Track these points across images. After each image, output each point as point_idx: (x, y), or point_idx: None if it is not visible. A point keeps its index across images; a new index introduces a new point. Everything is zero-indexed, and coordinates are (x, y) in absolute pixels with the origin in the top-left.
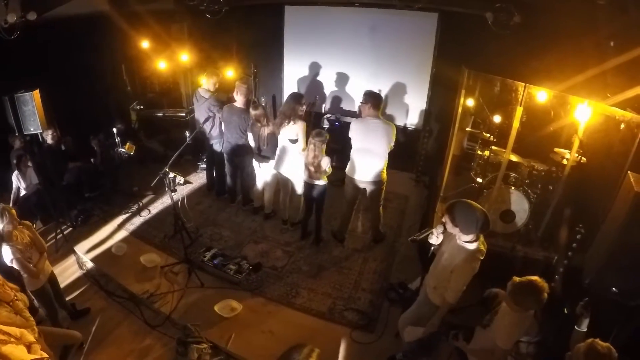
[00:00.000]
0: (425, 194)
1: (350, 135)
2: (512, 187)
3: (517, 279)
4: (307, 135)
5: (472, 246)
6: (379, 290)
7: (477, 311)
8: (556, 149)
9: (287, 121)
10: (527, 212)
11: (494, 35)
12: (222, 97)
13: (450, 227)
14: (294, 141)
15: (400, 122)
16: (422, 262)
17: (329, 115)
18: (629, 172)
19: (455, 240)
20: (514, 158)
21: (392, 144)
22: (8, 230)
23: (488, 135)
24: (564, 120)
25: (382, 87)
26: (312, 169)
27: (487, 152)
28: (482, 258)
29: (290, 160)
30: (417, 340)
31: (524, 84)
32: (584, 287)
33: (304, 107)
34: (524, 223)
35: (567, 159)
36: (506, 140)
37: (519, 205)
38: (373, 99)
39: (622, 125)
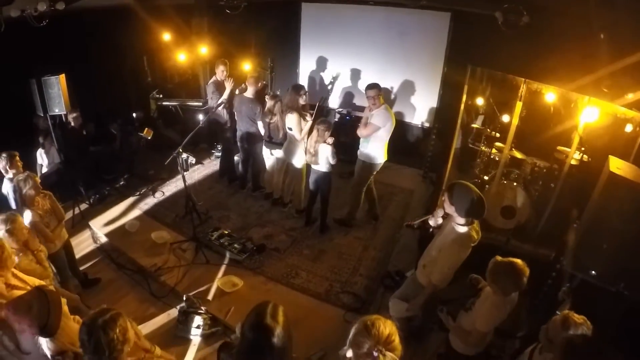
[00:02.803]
0: (431, 190)
1: (383, 124)
2: (514, 184)
3: (499, 258)
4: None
5: (464, 229)
6: (376, 277)
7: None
8: (559, 147)
9: (287, 111)
10: (528, 208)
11: (505, 35)
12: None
13: (447, 206)
14: (291, 129)
15: (410, 119)
16: (421, 253)
17: (340, 110)
18: (609, 155)
19: (450, 223)
20: (518, 155)
21: None
22: (30, 195)
23: (490, 131)
24: (567, 119)
25: (394, 84)
26: (311, 151)
27: (494, 150)
28: (473, 244)
29: (288, 147)
30: (406, 327)
31: (523, 79)
32: (563, 270)
33: (304, 97)
34: (525, 219)
35: (570, 157)
36: (514, 137)
37: (520, 201)
38: (381, 89)
39: (630, 127)
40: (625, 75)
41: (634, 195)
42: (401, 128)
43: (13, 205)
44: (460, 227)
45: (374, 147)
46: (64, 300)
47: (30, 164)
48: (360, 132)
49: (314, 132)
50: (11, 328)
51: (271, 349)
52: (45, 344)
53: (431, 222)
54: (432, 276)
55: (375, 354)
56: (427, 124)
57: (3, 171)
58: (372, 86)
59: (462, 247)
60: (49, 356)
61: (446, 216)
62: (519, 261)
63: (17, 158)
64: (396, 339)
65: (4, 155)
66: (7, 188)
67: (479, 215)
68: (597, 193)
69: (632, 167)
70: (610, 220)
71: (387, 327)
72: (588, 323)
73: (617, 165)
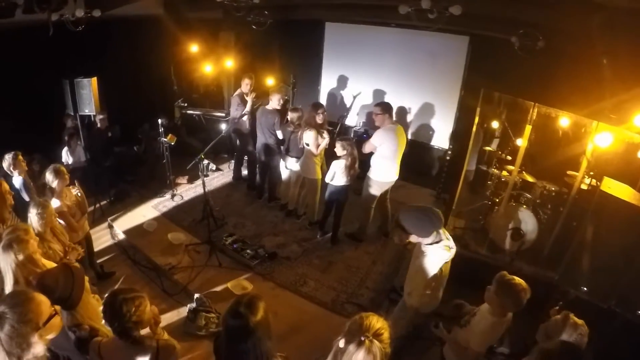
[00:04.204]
0: (442, 210)
1: (379, 142)
2: (524, 206)
3: (506, 273)
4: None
5: (434, 248)
6: (382, 290)
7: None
8: (569, 172)
9: (306, 128)
10: (536, 231)
11: (522, 60)
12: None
13: (408, 239)
14: (307, 145)
15: (426, 140)
16: None
17: (357, 128)
18: (604, 176)
19: (419, 246)
20: (529, 178)
21: None
22: (59, 187)
23: (501, 153)
24: (577, 143)
25: (412, 105)
26: (353, 171)
27: (504, 172)
28: (447, 259)
29: (304, 162)
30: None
31: (533, 103)
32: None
33: (321, 115)
34: (532, 242)
35: (581, 182)
36: (526, 161)
37: (528, 224)
38: (391, 109)
39: None
40: (629, 100)
41: (623, 213)
42: (417, 148)
43: (26, 198)
44: (430, 247)
45: (377, 164)
46: (86, 278)
47: (57, 162)
48: (363, 147)
49: (355, 154)
50: None
51: (245, 335)
52: (65, 315)
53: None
54: (411, 299)
55: (362, 338)
56: (443, 146)
57: (8, 171)
58: (378, 104)
59: (436, 266)
60: (66, 327)
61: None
62: (524, 283)
63: (20, 158)
64: (385, 334)
65: (7, 156)
66: (19, 184)
67: (439, 225)
68: (589, 211)
69: (624, 187)
70: (601, 236)
71: (379, 322)
72: (585, 327)
73: (609, 185)
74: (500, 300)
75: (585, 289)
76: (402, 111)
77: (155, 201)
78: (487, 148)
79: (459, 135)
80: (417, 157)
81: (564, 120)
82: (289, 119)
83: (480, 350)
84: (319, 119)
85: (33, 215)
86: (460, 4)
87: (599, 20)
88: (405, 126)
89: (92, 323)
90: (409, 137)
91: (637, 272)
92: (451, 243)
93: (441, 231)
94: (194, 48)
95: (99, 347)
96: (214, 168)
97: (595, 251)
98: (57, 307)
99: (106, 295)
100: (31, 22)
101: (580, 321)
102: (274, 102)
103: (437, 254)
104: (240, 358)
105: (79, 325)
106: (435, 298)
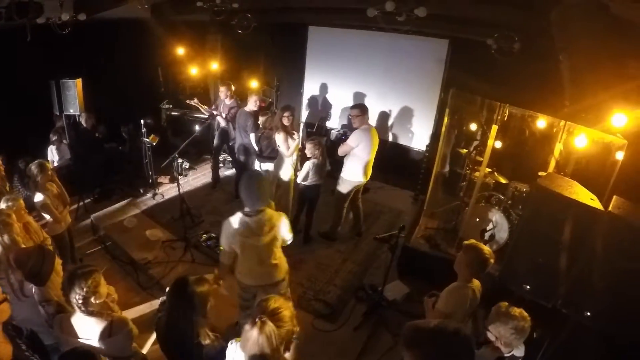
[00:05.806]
0: (417, 211)
1: (356, 143)
2: (495, 207)
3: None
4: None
5: (239, 215)
6: (350, 288)
7: None
8: (540, 173)
9: (276, 130)
10: (506, 232)
11: (500, 62)
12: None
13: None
14: (279, 146)
15: (406, 142)
16: (399, 270)
17: (336, 129)
18: (546, 173)
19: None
20: (501, 180)
21: None
22: (43, 181)
23: (475, 155)
24: (551, 143)
25: (393, 108)
26: (323, 170)
27: (476, 174)
28: (247, 237)
29: (278, 162)
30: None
31: (499, 103)
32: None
33: (287, 118)
34: (503, 242)
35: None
36: (502, 162)
37: (499, 225)
38: (367, 110)
39: (621, 154)
40: (604, 100)
41: (561, 208)
42: (397, 150)
43: None
44: (243, 215)
45: (351, 165)
46: (58, 261)
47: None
48: (339, 149)
49: (324, 153)
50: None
51: (183, 299)
52: (36, 291)
53: None
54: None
55: (257, 320)
56: (422, 148)
57: None
58: (354, 106)
59: (233, 229)
60: (37, 301)
61: None
62: (489, 250)
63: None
64: (284, 312)
65: None
66: None
67: (261, 201)
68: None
69: (567, 181)
70: (543, 232)
71: (277, 303)
72: (524, 314)
73: (550, 179)
74: (467, 257)
75: (528, 287)
76: (383, 114)
77: (137, 199)
78: (462, 150)
79: (437, 138)
80: (397, 159)
81: (541, 122)
82: (260, 121)
83: (443, 310)
84: (285, 121)
85: (2, 206)
86: (434, 6)
87: (555, 16)
88: (386, 129)
89: (61, 300)
90: (390, 139)
91: (580, 271)
92: (259, 231)
93: (259, 215)
94: (180, 51)
95: (60, 320)
96: (187, 166)
97: (536, 248)
98: (6, 296)
99: (64, 273)
100: (17, 25)
101: (517, 309)
102: (251, 104)
103: (236, 220)
104: (173, 321)
105: (48, 300)
106: (247, 269)
